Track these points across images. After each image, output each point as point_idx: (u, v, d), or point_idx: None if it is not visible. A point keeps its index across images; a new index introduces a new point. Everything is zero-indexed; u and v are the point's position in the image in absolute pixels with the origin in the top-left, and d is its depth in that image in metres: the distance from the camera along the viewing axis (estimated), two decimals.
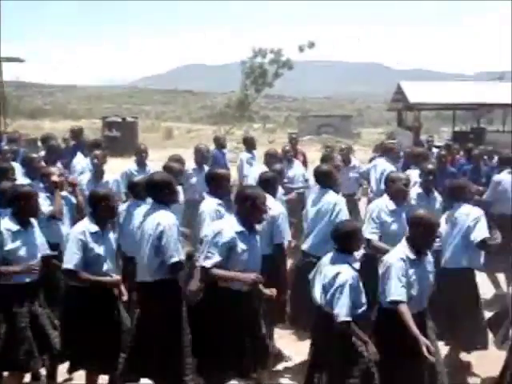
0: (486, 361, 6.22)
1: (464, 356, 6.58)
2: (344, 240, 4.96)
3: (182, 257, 5.18)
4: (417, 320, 4.69)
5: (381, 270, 4.95)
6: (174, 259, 5.08)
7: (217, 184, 6.27)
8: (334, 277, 4.83)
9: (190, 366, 5.08)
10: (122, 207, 6.73)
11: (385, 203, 6.50)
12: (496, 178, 9.33)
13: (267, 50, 32.34)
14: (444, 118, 50.11)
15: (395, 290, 4.73)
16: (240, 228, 5.03)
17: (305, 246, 6.76)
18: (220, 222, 5.26)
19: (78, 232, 5.31)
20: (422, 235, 4.94)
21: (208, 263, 4.91)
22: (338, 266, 4.90)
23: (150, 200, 5.59)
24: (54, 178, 6.50)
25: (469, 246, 6.36)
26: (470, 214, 6.39)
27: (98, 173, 8.55)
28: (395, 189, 6.51)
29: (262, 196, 5.19)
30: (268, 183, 6.53)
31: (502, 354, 5.48)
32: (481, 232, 6.30)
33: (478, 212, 6.49)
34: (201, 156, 9.75)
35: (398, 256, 4.88)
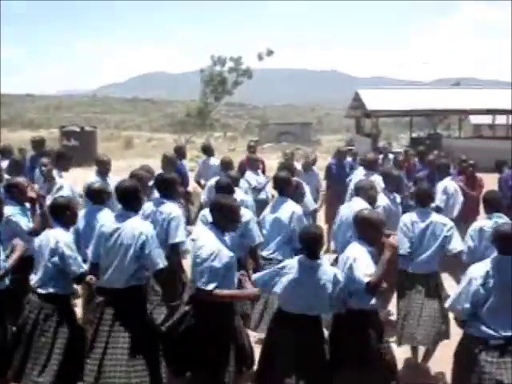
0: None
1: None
2: (309, 244, 5.05)
3: (166, 262, 5.31)
4: None
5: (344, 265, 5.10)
6: (159, 266, 5.21)
7: (168, 187, 6.48)
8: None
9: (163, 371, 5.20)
10: (81, 213, 6.68)
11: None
12: (440, 184, 9.58)
13: (226, 59, 32.38)
14: (403, 124, 51.02)
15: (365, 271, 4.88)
16: (226, 244, 5.16)
17: (265, 253, 6.88)
18: (210, 242, 5.12)
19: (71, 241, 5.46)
20: (370, 233, 5.12)
21: (210, 287, 4.95)
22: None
23: (118, 207, 5.65)
24: (31, 194, 6.37)
25: (440, 253, 6.58)
26: (446, 224, 6.58)
27: (47, 180, 8.49)
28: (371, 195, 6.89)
29: (236, 204, 5.33)
30: (224, 189, 6.67)
31: None
32: (457, 244, 6.52)
33: (450, 222, 6.72)
34: (170, 164, 9.76)
35: (361, 250, 5.06)
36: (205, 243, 5.07)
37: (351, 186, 9.08)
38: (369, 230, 5.11)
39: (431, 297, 6.44)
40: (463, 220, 8.48)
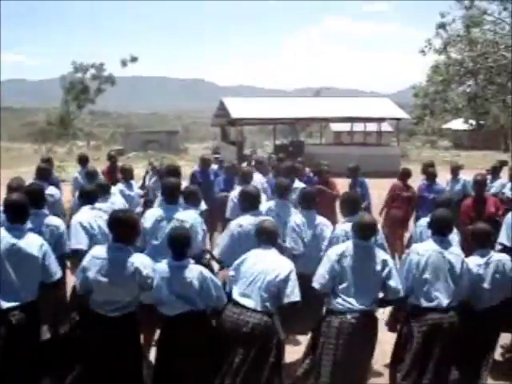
0: None
1: None
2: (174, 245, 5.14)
3: (61, 273, 5.32)
4: None
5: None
6: (57, 276, 5.19)
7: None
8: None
9: None
10: None
11: None
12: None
13: (88, 65, 31.61)
14: (268, 132, 52.09)
15: None
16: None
17: None
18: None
19: None
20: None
21: None
22: None
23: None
24: None
25: None
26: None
27: None
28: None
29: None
30: (88, 196, 6.72)
31: None
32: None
33: None
34: (48, 174, 9.31)
35: None
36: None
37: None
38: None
39: None
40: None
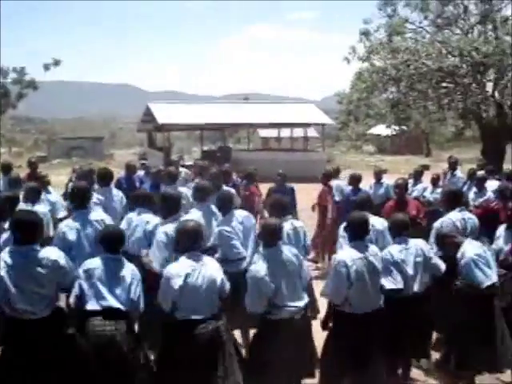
0: None
1: None
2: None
3: None
4: None
5: None
6: None
7: None
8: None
9: None
10: None
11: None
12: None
13: (9, 69, 30.61)
14: (195, 138, 51.93)
15: None
16: None
17: None
18: None
19: None
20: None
21: None
22: None
23: None
24: None
25: None
26: None
27: None
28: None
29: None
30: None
31: None
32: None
33: None
34: None
35: None
36: None
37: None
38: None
39: None
40: None
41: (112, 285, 4.97)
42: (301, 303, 5.34)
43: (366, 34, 22.74)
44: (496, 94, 21.31)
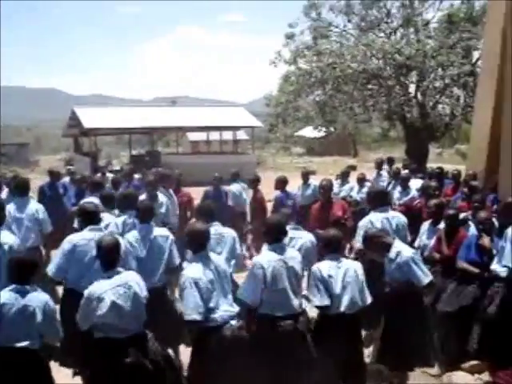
0: None
1: None
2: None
3: None
4: None
5: None
6: None
7: None
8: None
9: None
10: None
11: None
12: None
13: None
14: (125, 142, 51.18)
15: None
16: None
17: None
18: None
19: None
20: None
21: None
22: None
23: None
24: None
25: None
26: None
27: None
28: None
29: None
30: None
31: None
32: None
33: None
34: None
35: None
36: None
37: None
38: None
39: None
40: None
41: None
42: (234, 309, 5.24)
43: (291, 37, 23.02)
44: (419, 96, 21.95)
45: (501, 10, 9.84)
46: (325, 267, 5.60)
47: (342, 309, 5.52)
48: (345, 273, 5.60)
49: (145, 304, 4.99)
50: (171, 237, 6.59)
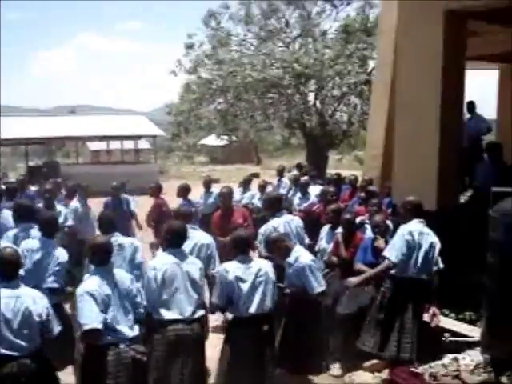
0: None
1: None
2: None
3: None
4: None
5: None
6: None
7: None
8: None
9: None
10: None
11: None
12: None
13: None
14: (22, 153, 49.39)
15: None
16: None
17: None
18: None
19: None
20: None
21: None
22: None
23: None
24: None
25: None
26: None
27: None
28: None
29: None
30: None
31: None
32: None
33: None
34: None
35: None
36: None
37: None
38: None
39: None
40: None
41: None
42: (130, 332, 4.95)
43: (190, 47, 23.04)
44: (317, 104, 22.50)
45: (392, 21, 10.18)
46: (232, 267, 5.56)
47: (252, 310, 5.50)
48: (256, 273, 5.56)
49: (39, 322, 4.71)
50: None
